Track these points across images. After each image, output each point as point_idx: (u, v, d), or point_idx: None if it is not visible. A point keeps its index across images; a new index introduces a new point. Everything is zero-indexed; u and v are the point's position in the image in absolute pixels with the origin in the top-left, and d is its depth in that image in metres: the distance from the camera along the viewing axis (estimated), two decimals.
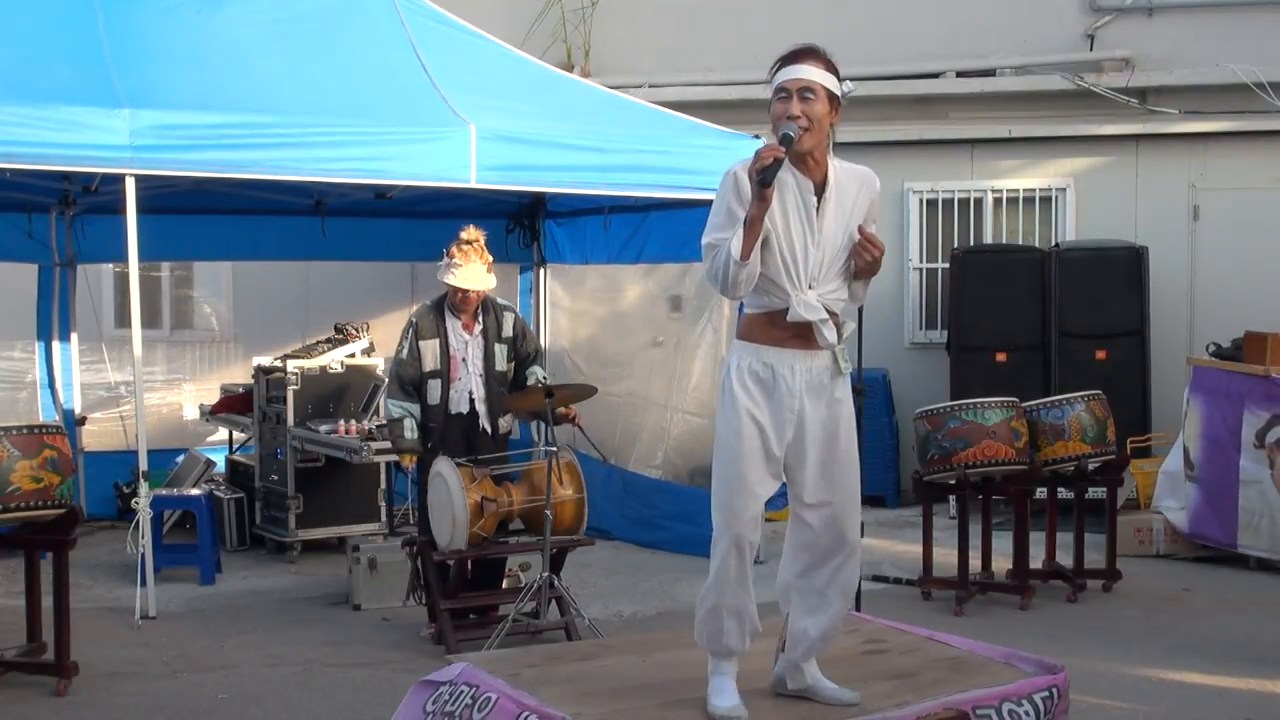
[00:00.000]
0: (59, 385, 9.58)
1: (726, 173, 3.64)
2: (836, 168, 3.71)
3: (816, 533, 3.78)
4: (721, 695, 3.72)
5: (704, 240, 3.64)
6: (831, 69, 3.67)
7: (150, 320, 10.20)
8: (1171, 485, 8.53)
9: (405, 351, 6.54)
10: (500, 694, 3.78)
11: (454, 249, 6.43)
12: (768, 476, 3.69)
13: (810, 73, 3.61)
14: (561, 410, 6.37)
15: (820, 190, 3.66)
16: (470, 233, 6.48)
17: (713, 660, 3.80)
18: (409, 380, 6.53)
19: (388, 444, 7.67)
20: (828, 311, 3.67)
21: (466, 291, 6.45)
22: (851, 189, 3.72)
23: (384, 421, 7.53)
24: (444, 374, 6.52)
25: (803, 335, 3.66)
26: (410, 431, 6.50)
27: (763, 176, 3.48)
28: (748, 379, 3.67)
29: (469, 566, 6.57)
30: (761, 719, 3.74)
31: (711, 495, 3.74)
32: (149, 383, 9.84)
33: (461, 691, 3.89)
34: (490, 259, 6.53)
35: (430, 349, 6.52)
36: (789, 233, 3.63)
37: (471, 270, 6.40)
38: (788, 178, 3.62)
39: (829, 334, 3.66)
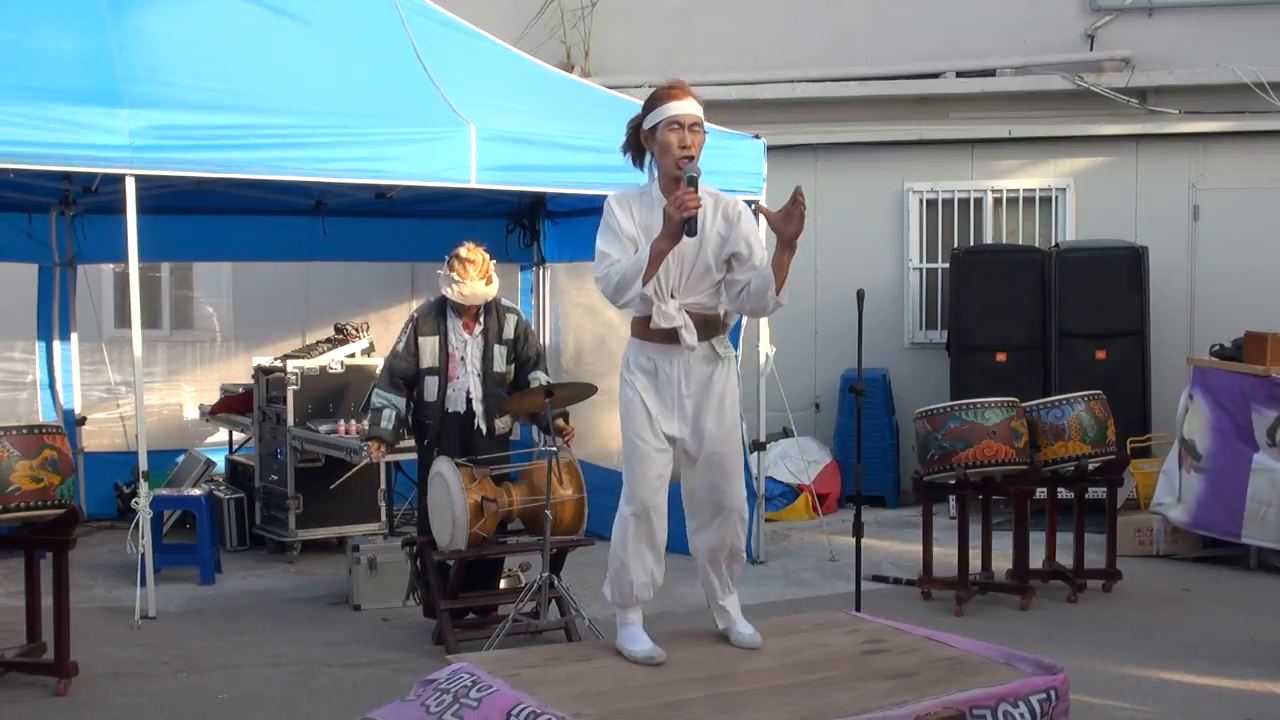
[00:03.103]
0: (59, 385, 9.59)
1: (606, 204, 4.19)
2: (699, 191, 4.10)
3: (698, 484, 4.34)
4: (636, 642, 4.25)
5: (599, 249, 4.14)
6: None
7: (150, 320, 10.19)
8: (1168, 483, 8.50)
9: (402, 345, 6.55)
10: (500, 687, 3.78)
11: (454, 264, 6.41)
12: (661, 448, 4.23)
13: (698, 108, 4.16)
14: (560, 424, 6.36)
15: None
16: (469, 251, 6.45)
17: (621, 613, 4.36)
18: (400, 373, 6.54)
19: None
20: (706, 314, 4.20)
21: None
22: (709, 209, 4.17)
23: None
24: (441, 372, 6.53)
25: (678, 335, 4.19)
26: (386, 421, 6.51)
27: (689, 227, 3.97)
28: (637, 371, 4.24)
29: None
30: (761, 717, 3.74)
31: (623, 475, 4.32)
32: (149, 383, 9.82)
33: (461, 678, 3.90)
34: (491, 268, 6.50)
35: (429, 345, 6.52)
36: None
37: (470, 287, 6.40)
38: (655, 198, 4.15)
39: (688, 337, 4.15)
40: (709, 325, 4.23)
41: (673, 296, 4.16)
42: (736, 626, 4.41)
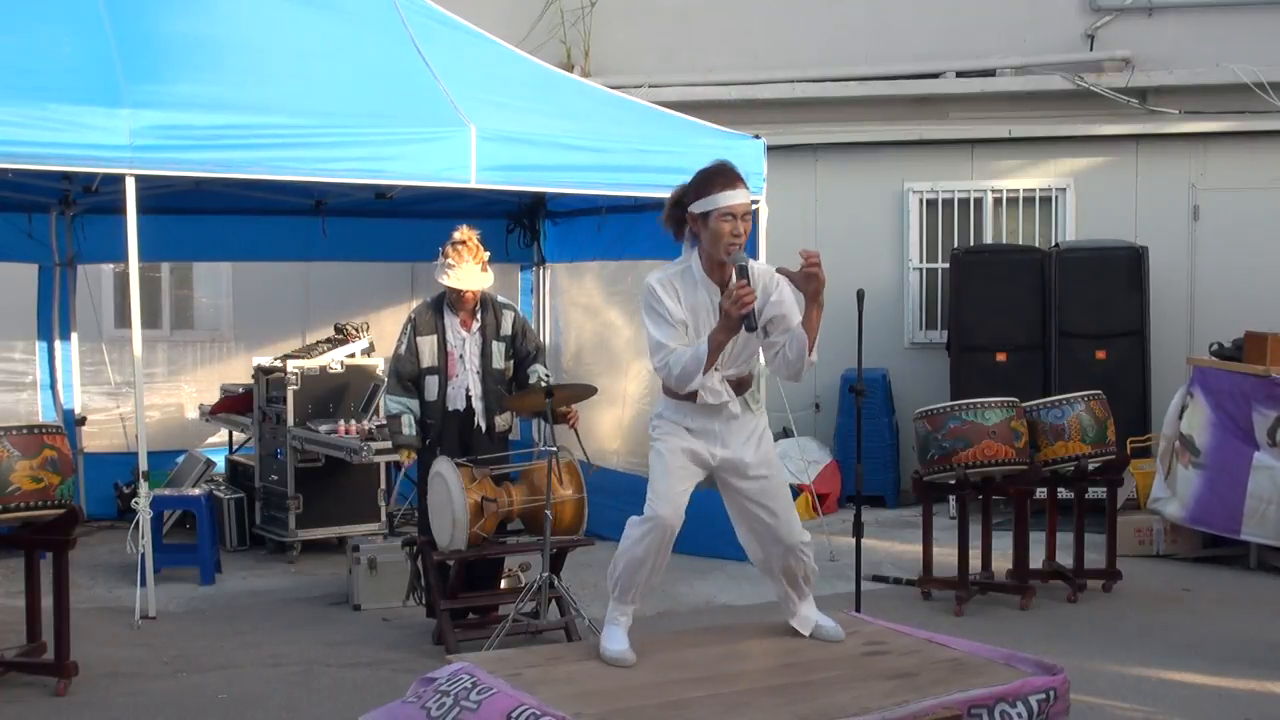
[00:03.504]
0: (59, 385, 9.59)
1: (648, 287, 4.28)
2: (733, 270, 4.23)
3: (754, 522, 4.47)
4: (614, 641, 4.35)
5: (654, 338, 4.25)
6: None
7: (150, 320, 10.20)
8: (1160, 480, 8.45)
9: (404, 347, 6.56)
10: (500, 689, 3.78)
11: (448, 249, 6.43)
12: (686, 466, 4.37)
13: (747, 196, 4.25)
14: (563, 409, 6.37)
15: (723, 290, 4.22)
16: (463, 233, 6.48)
17: (613, 609, 4.45)
18: (407, 376, 6.55)
19: (388, 444, 7.69)
20: (741, 376, 4.35)
21: (462, 291, 6.47)
22: (755, 288, 4.21)
23: (383, 420, 7.55)
24: (441, 370, 6.54)
25: None
26: (408, 427, 6.52)
27: (749, 322, 4.06)
28: (676, 426, 4.36)
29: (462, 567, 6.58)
30: (761, 717, 3.74)
31: (648, 489, 4.43)
32: (149, 383, 9.83)
33: (461, 679, 3.90)
34: (485, 257, 6.52)
35: (428, 345, 6.53)
36: (698, 331, 4.25)
37: (466, 271, 6.41)
38: (698, 277, 4.27)
39: (733, 407, 4.34)
40: (742, 384, 4.39)
41: (715, 370, 4.28)
42: (819, 622, 4.56)
